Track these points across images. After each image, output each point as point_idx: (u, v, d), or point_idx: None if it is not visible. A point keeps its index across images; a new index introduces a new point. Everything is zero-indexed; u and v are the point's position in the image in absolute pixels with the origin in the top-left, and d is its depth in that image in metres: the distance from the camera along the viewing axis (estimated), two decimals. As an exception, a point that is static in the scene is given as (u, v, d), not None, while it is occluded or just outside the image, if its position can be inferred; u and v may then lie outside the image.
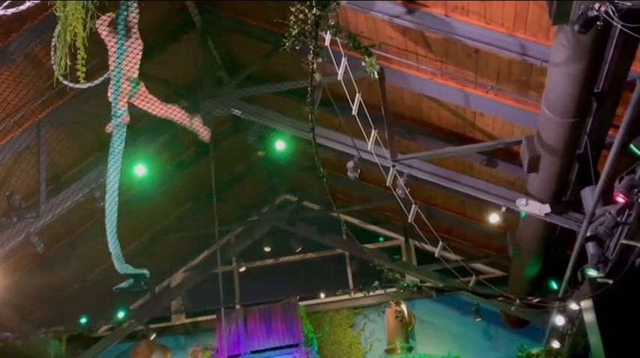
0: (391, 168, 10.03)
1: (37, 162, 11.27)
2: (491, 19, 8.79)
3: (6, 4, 5.84)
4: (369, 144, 8.89)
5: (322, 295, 16.37)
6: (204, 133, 8.11)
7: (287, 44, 6.66)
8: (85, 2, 5.88)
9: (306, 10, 6.27)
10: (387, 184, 9.99)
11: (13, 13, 5.99)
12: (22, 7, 5.97)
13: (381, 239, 17.29)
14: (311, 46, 6.61)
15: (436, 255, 10.06)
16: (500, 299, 12.21)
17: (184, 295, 17.16)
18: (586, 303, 10.39)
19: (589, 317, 10.36)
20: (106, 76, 7.22)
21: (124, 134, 7.76)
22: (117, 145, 7.77)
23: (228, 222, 16.53)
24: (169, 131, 12.15)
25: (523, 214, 11.26)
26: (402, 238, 17.16)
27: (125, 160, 11.87)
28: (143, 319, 16.23)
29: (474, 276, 11.12)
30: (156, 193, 14.27)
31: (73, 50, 6.22)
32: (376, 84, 10.52)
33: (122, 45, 7.19)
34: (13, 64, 9.66)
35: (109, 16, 7.12)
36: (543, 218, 10.39)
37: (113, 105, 7.46)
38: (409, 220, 9.73)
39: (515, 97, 9.95)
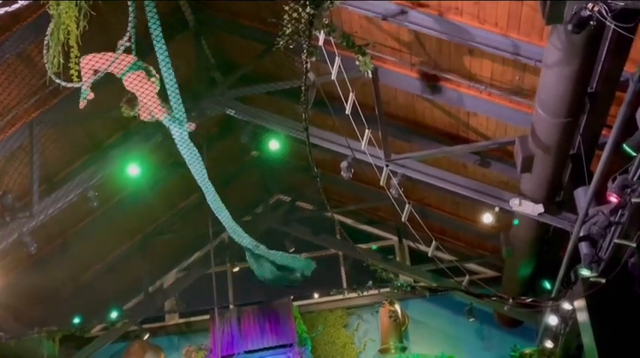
0: (384, 168, 10.04)
1: (30, 161, 11.24)
2: (485, 19, 8.81)
3: (-1, 3, 5.82)
4: (363, 144, 8.91)
5: (316, 295, 16.37)
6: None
7: (281, 43, 6.66)
8: (78, 1, 5.87)
9: (300, 9, 6.27)
10: (381, 184, 10.00)
11: (7, 12, 5.97)
12: (16, 6, 5.94)
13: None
14: (305, 46, 6.61)
15: (429, 255, 10.08)
16: (494, 299, 12.22)
17: (178, 295, 17.13)
18: (579, 303, 10.42)
19: (582, 316, 10.38)
20: (100, 74, 7.18)
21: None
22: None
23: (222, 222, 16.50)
24: (163, 131, 12.13)
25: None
26: (395, 238, 17.17)
27: (119, 160, 12.00)
28: (136, 319, 16.20)
29: (467, 276, 11.13)
30: (149, 193, 14.26)
31: (66, 49, 6.20)
32: (370, 84, 10.52)
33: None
34: (6, 63, 9.64)
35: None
36: (536, 218, 10.40)
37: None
38: (403, 220, 9.74)
39: (509, 97, 9.96)
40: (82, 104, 7.46)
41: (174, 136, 7.73)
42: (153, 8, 6.79)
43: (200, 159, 8.02)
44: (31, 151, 11.19)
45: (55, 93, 10.70)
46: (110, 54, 7.02)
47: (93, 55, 6.94)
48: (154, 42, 6.91)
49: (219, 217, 8.14)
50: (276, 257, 9.16)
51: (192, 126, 7.79)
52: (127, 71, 7.15)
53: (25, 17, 9.27)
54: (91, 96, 7.35)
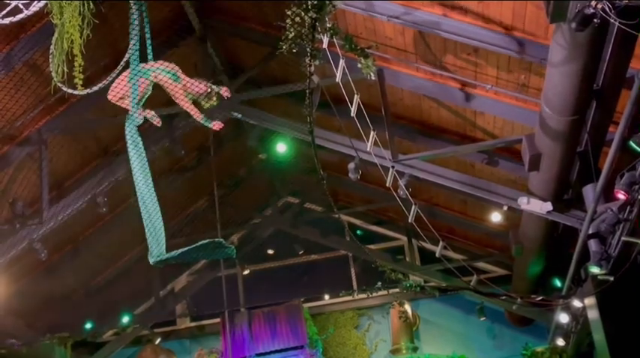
0: (390, 169, 10.04)
1: (39, 168, 11.29)
2: (489, 18, 8.80)
3: (3, 13, 5.86)
4: (368, 145, 8.90)
5: (326, 296, 16.37)
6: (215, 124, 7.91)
7: (284, 47, 6.67)
8: (82, 9, 5.90)
9: (302, 13, 6.28)
10: (387, 185, 9.99)
11: (12, 22, 6.01)
12: (21, 16, 5.99)
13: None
14: (308, 49, 6.61)
15: (437, 255, 10.06)
16: (503, 298, 12.21)
17: (189, 299, 17.22)
18: (589, 301, 10.41)
19: (593, 314, 10.37)
20: (103, 83, 7.22)
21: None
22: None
23: (231, 225, 16.55)
24: (170, 136, 12.18)
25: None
26: (405, 238, 17.17)
27: (127, 165, 12.02)
28: (148, 323, 16.25)
29: (474, 276, 11.13)
30: (158, 198, 14.24)
31: (70, 57, 6.23)
32: (376, 85, 10.53)
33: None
34: (13, 71, 9.67)
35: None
36: (545, 216, 10.38)
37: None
38: (409, 220, 9.73)
39: (515, 96, 9.95)
40: (158, 122, 7.52)
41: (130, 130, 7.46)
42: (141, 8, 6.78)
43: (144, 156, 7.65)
44: (40, 158, 11.23)
45: (62, 100, 10.75)
46: (123, 75, 7.08)
47: (116, 84, 7.01)
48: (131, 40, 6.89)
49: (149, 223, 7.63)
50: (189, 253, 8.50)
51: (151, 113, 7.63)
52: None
53: (30, 26, 9.31)
54: (151, 113, 7.41)
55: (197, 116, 7.59)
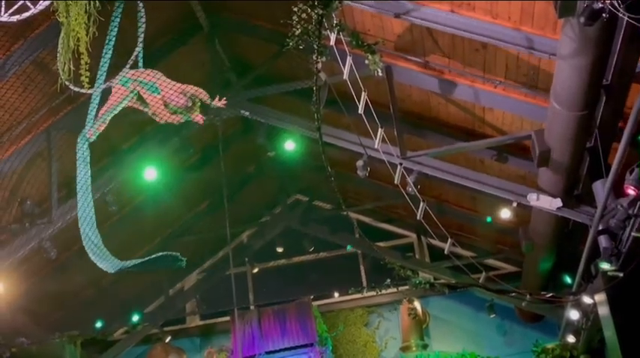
0: (398, 166, 10.02)
1: (48, 167, 11.30)
2: (498, 13, 8.77)
3: (11, 11, 5.87)
4: (376, 142, 8.89)
5: (336, 294, 16.34)
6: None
7: (291, 44, 6.67)
8: (88, 7, 5.91)
9: (309, 10, 6.27)
10: (395, 182, 9.97)
11: (19, 20, 6.02)
12: (27, 14, 6.00)
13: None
14: (315, 46, 6.60)
15: (446, 252, 10.06)
16: (513, 295, 12.17)
17: (198, 297, 17.22)
18: (600, 297, 10.36)
19: (603, 310, 10.31)
20: (109, 82, 7.23)
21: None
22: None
23: (240, 223, 16.55)
24: (179, 135, 12.18)
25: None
26: (414, 236, 17.14)
27: (136, 164, 12.06)
28: (158, 322, 16.27)
29: (483, 273, 11.12)
30: (167, 196, 14.29)
31: (77, 55, 6.24)
32: (384, 82, 10.50)
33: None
34: (21, 70, 9.67)
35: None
36: (555, 212, 10.34)
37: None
38: (418, 217, 9.72)
39: (524, 91, 9.91)
40: (160, 119, 7.59)
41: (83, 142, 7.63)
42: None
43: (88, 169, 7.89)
44: (49, 157, 11.24)
45: (71, 99, 10.72)
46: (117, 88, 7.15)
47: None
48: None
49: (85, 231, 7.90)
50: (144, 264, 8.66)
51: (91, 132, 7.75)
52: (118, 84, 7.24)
53: (37, 24, 9.29)
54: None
55: (177, 120, 7.61)
